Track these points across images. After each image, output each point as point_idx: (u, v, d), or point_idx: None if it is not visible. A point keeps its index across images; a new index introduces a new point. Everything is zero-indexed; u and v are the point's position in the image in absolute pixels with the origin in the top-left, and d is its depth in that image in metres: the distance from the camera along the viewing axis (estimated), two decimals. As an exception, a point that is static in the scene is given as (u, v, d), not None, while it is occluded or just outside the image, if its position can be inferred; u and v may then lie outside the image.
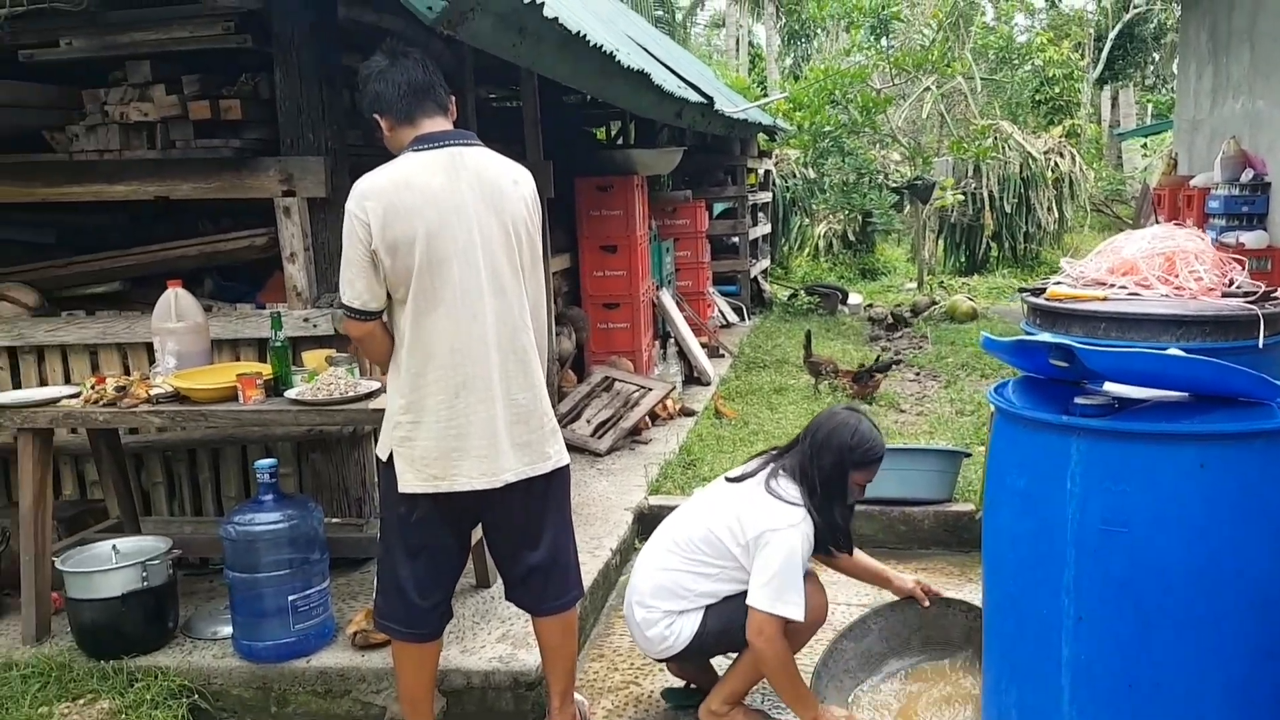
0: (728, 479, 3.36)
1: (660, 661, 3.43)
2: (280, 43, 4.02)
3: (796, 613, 3.06)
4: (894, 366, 8.18)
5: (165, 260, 4.45)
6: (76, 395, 3.75)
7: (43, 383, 4.37)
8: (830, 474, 3.17)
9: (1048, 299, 3.55)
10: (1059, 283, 3.76)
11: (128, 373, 4.25)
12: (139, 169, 4.12)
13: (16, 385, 4.39)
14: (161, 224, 4.83)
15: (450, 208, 2.81)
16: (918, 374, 8.59)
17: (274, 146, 4.14)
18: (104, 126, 4.04)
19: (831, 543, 3.25)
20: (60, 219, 4.85)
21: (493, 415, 2.88)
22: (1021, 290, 3.88)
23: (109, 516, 4.26)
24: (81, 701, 3.36)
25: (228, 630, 3.68)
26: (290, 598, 3.51)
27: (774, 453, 3.37)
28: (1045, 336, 3.04)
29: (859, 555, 3.48)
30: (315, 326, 4.10)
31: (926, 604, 3.50)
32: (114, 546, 3.73)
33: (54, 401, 3.73)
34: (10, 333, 4.36)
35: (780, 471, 3.24)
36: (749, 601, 3.09)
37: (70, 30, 3.95)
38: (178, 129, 4.02)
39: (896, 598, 3.56)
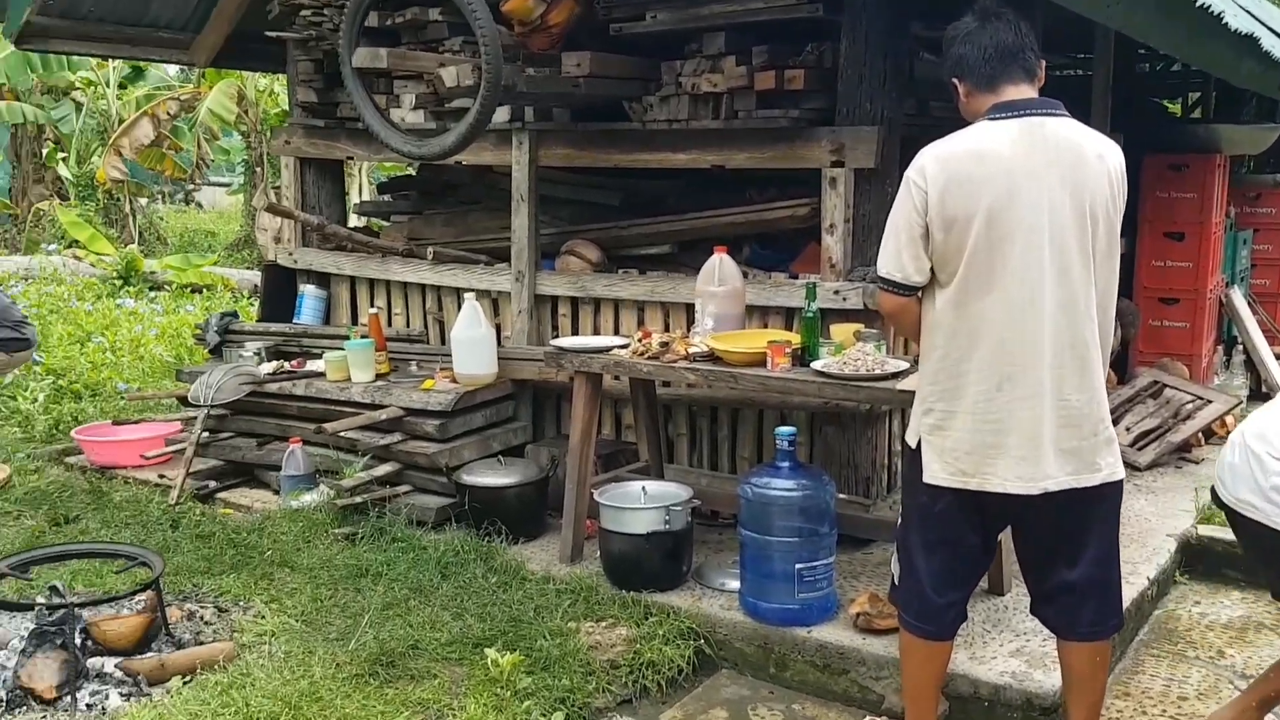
0: None
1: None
2: (851, 10, 4.00)
3: None
4: None
5: (714, 226, 4.68)
6: (625, 346, 4.07)
7: (596, 332, 4.84)
8: None
9: None
10: None
11: (668, 329, 4.54)
12: (702, 138, 4.36)
13: (574, 332, 4.90)
14: (711, 191, 5.09)
15: (1019, 184, 2.56)
16: None
17: (827, 116, 4.15)
18: (676, 97, 4.32)
19: None
20: (625, 184, 5.31)
21: (1038, 415, 2.61)
22: None
23: (639, 459, 4.60)
24: (604, 624, 3.65)
25: (735, 584, 3.80)
26: (797, 565, 3.52)
27: None
28: None
29: None
30: (845, 300, 4.07)
31: None
32: (643, 488, 4.01)
33: (607, 350, 4.08)
34: (575, 285, 4.87)
35: None
36: None
37: (656, 4, 4.25)
38: (741, 99, 4.18)
39: None
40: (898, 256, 2.70)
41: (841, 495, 4.15)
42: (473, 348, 4.72)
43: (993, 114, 2.64)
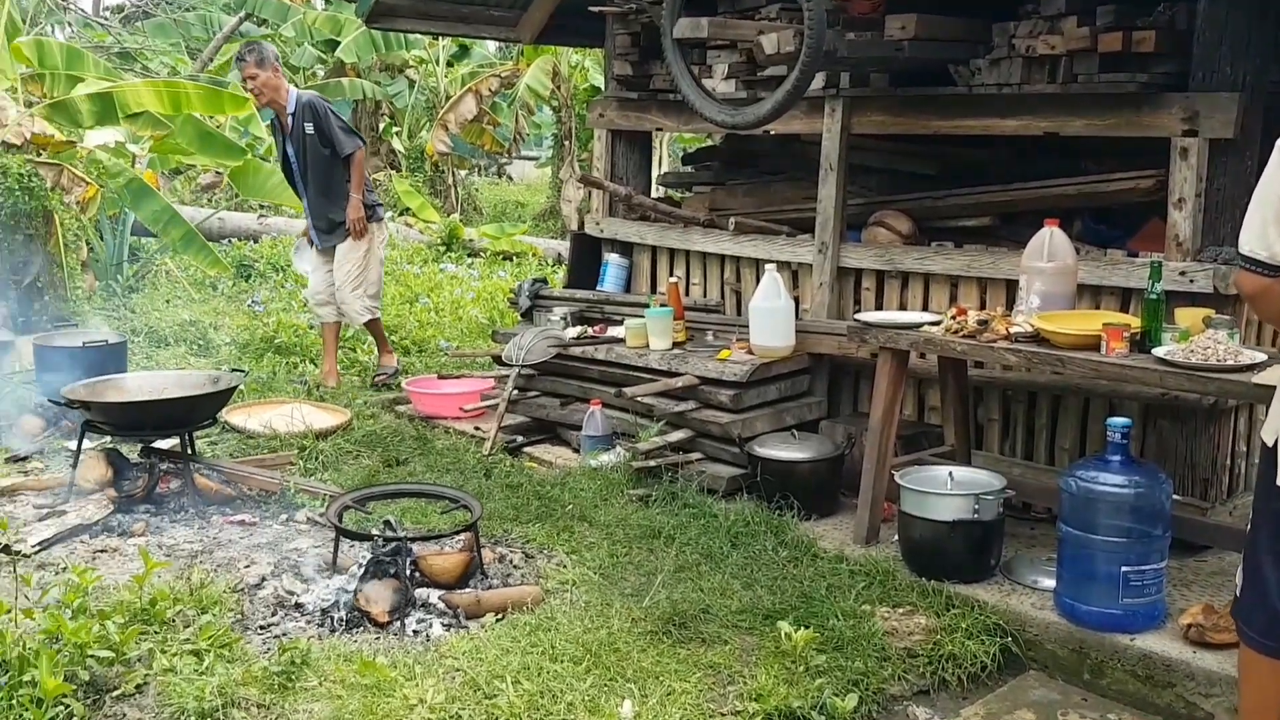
0: None
1: None
2: (1212, -33, 3.61)
3: None
4: None
5: (1041, 198, 4.39)
6: (937, 323, 3.89)
7: (902, 308, 4.67)
8: None
9: None
10: None
11: (983, 307, 4.31)
12: (1033, 104, 4.09)
13: (877, 308, 4.75)
14: (1037, 161, 4.77)
15: None
16: None
17: (1178, 81, 3.76)
18: (1007, 60, 4.07)
19: None
20: (942, 152, 5.07)
21: None
22: None
23: (943, 443, 4.40)
24: (900, 611, 3.53)
25: (1049, 583, 3.57)
26: (1123, 568, 3.26)
27: None
28: None
29: None
30: (1192, 282, 3.69)
31: None
32: (950, 473, 3.83)
33: (917, 326, 3.92)
34: (883, 258, 4.71)
35: None
36: None
37: (990, -37, 4.02)
38: (1082, 63, 3.88)
39: None
40: (1264, 232, 2.41)
41: (1175, 496, 3.80)
42: (771, 319, 4.69)
43: None
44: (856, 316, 4.20)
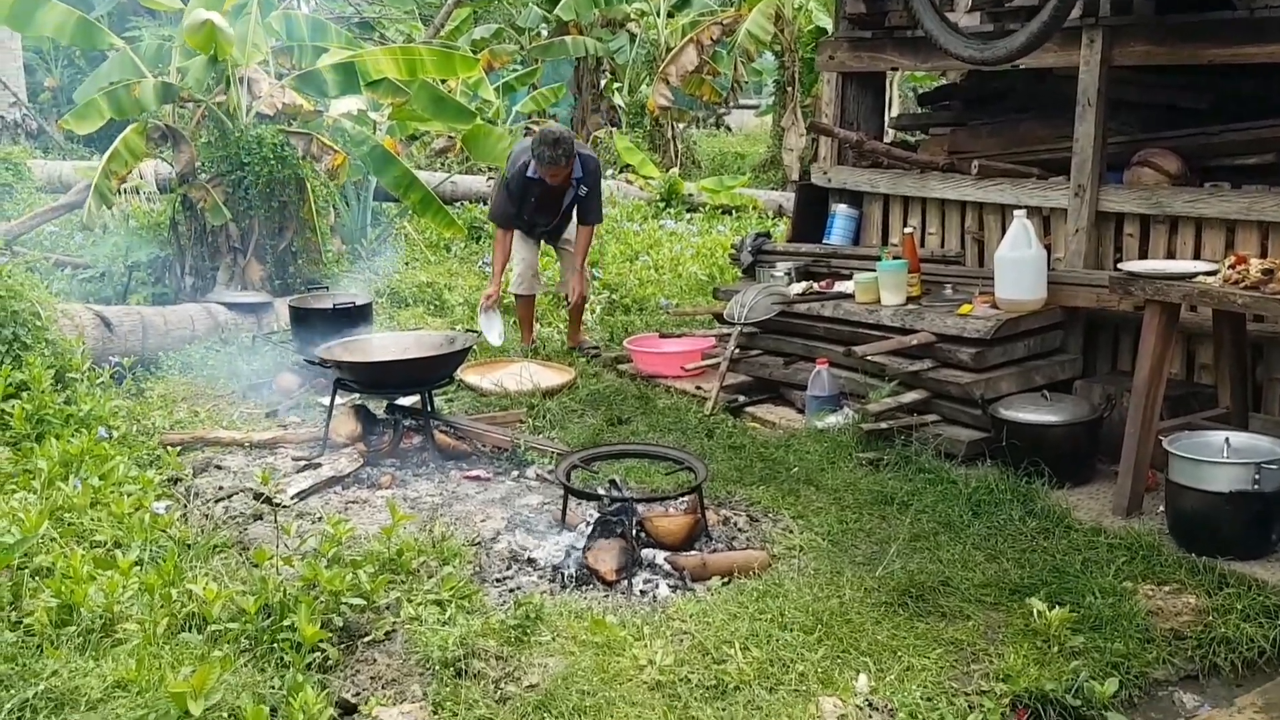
0: None
1: None
2: None
3: None
4: None
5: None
6: (1213, 273, 3.52)
7: (1169, 255, 4.25)
8: None
9: None
10: None
11: (1265, 255, 3.86)
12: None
13: (1141, 255, 4.34)
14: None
15: None
16: None
17: None
18: (1302, -25, 3.57)
19: None
20: (1212, 84, 4.54)
21: None
22: None
23: (1215, 405, 3.99)
24: (1166, 589, 3.25)
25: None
26: None
27: None
28: None
29: None
30: None
31: None
32: (1226, 439, 3.49)
33: (1190, 276, 3.55)
34: (1148, 200, 4.29)
35: None
36: None
37: None
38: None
39: None
40: None
41: None
42: (1019, 270, 4.37)
43: None
44: (1120, 266, 3.85)
